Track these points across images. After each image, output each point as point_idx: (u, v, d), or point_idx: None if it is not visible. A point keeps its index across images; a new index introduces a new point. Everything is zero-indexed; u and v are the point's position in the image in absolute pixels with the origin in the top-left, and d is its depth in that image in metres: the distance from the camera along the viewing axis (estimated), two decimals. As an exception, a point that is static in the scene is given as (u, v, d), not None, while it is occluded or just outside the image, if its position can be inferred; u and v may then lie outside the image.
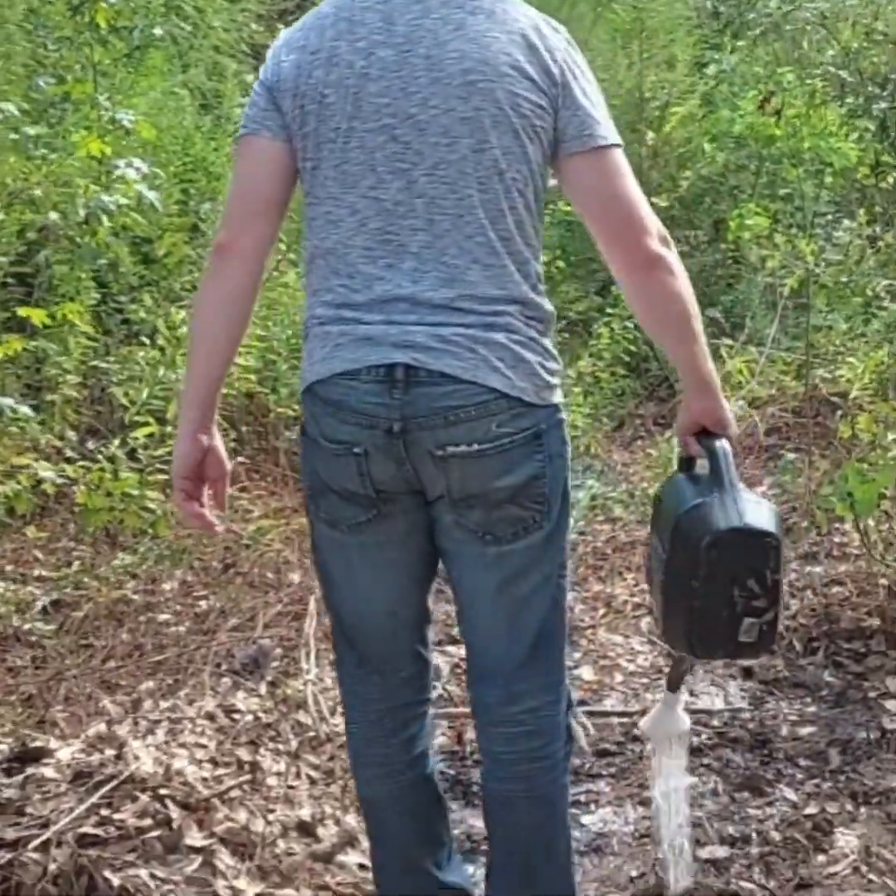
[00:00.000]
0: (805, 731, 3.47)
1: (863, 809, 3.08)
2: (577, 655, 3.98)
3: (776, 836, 2.99)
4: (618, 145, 2.14)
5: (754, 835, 2.99)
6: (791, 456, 5.02)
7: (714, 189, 7.36)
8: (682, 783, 2.61)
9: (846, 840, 2.96)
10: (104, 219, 4.15)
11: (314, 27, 2.15)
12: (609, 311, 5.86)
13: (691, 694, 3.74)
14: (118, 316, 5.85)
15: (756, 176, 6.82)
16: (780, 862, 2.90)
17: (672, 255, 2.14)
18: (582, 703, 3.68)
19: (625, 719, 3.58)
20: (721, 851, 2.93)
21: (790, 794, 3.17)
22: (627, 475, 5.75)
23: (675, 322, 2.17)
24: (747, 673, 3.83)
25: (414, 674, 2.39)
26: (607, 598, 4.42)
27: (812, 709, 3.60)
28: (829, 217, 6.47)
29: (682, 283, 2.15)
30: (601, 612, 4.33)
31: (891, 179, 3.67)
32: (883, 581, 4.05)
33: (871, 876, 2.82)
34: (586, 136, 2.11)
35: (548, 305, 2.20)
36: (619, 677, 3.88)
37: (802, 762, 3.32)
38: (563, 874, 2.40)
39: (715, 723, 3.55)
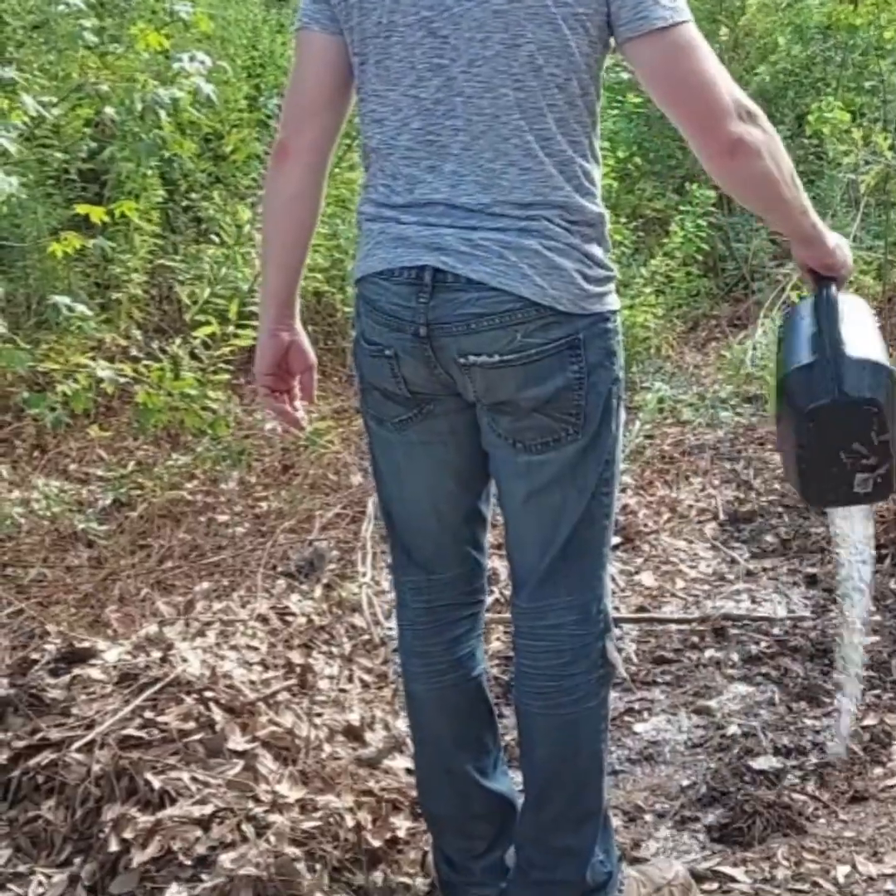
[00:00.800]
0: (868, 640, 3.39)
1: (924, 723, 3.02)
2: (639, 561, 3.93)
3: (833, 746, 2.93)
4: (682, 22, 1.95)
5: (810, 745, 2.94)
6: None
7: (798, 82, 7.11)
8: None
9: (906, 753, 2.90)
10: (162, 113, 4.06)
11: None
12: (683, 207, 5.69)
13: (753, 601, 3.69)
14: (187, 214, 5.82)
15: (841, 68, 6.57)
16: (835, 773, 2.84)
17: (754, 133, 1.98)
18: (641, 608, 3.64)
19: (684, 627, 3.53)
20: (775, 762, 2.87)
21: (850, 705, 3.10)
22: (699, 377, 5.63)
23: (765, 200, 2.08)
24: (811, 580, 3.76)
25: (460, 575, 2.35)
26: (672, 503, 4.34)
27: (877, 618, 3.52)
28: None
29: (767, 162, 1.99)
30: (666, 517, 4.26)
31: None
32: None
33: (928, 789, 2.77)
34: (641, 19, 1.94)
35: (596, 208, 2.07)
36: (680, 584, 3.82)
37: (863, 672, 3.24)
38: (573, 808, 2.30)
39: (776, 631, 3.49)
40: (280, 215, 2.21)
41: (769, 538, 4.03)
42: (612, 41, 2.01)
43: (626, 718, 3.10)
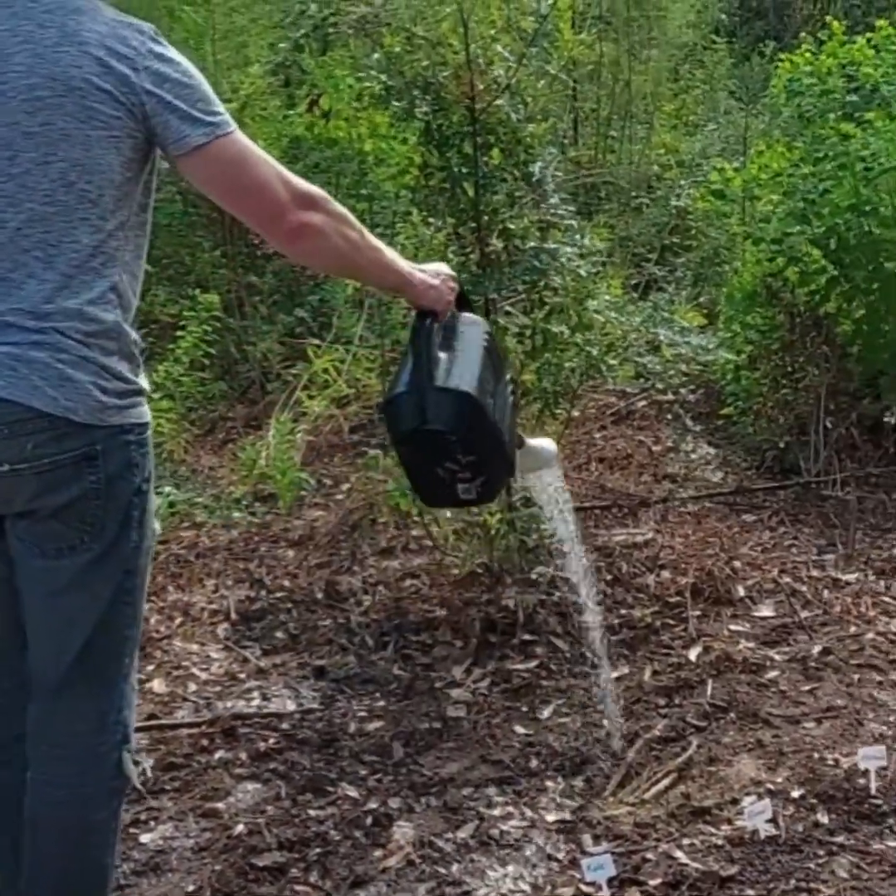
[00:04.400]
0: (372, 726, 3.52)
1: (422, 800, 3.15)
2: (151, 668, 3.89)
3: (335, 835, 3.01)
4: (225, 134, 2.11)
5: (313, 836, 3.00)
6: (373, 452, 5.09)
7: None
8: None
9: (403, 833, 3.02)
10: None
11: None
12: (188, 313, 5.75)
13: (264, 697, 3.73)
14: None
15: (339, 176, 6.87)
16: (337, 861, 2.91)
17: (315, 217, 2.16)
18: (152, 716, 3.60)
19: (194, 730, 3.53)
20: (279, 857, 2.91)
21: (352, 792, 3.19)
22: (216, 479, 5.67)
23: (343, 270, 2.36)
24: (320, 672, 3.85)
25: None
26: (185, 607, 4.34)
27: (381, 703, 3.65)
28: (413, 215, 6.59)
29: (334, 239, 2.19)
30: (178, 621, 4.25)
31: (436, 179, 3.77)
32: (455, 571, 4.16)
33: (424, 867, 2.88)
34: (183, 138, 2.09)
35: (116, 320, 2.14)
36: (192, 687, 3.81)
37: (367, 758, 3.35)
38: None
39: (285, 726, 3.54)
40: None
41: (279, 634, 4.10)
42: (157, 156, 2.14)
43: (132, 830, 3.05)
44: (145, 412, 2.22)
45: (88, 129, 2.04)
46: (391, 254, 2.34)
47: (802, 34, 6.51)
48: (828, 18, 6.40)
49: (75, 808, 2.25)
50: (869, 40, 5.88)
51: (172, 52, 2.15)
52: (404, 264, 2.36)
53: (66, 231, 2.06)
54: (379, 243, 2.31)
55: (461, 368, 2.42)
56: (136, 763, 2.41)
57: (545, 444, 2.82)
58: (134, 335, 2.21)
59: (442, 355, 2.41)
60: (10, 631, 2.29)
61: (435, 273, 2.43)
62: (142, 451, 2.18)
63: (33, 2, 2.07)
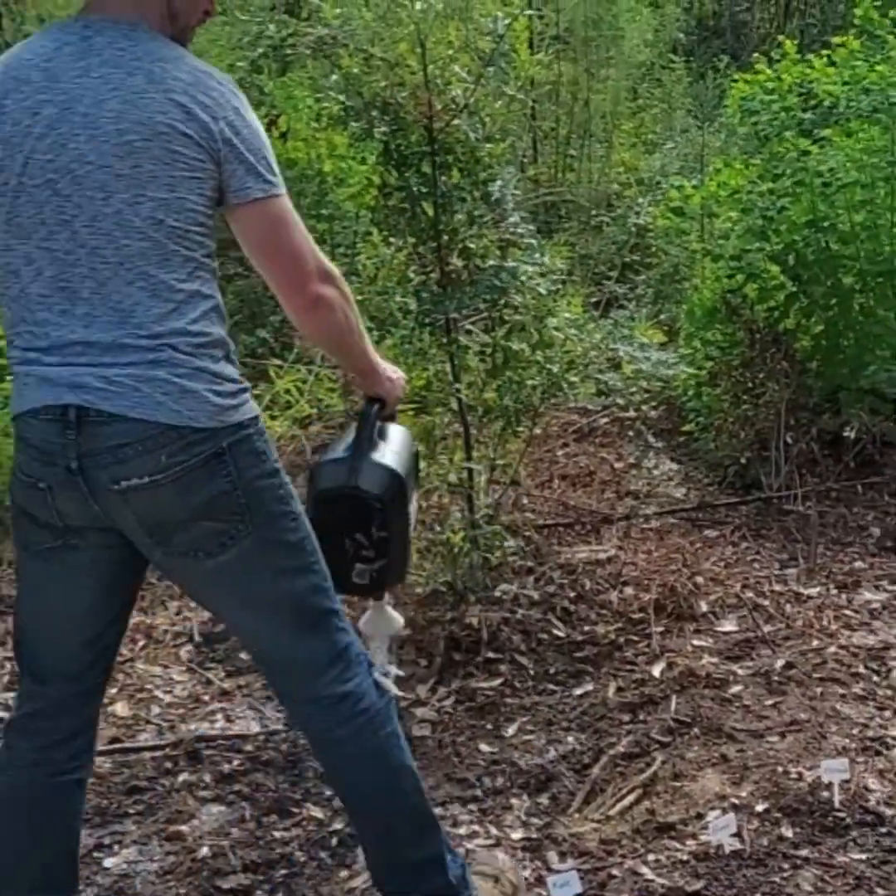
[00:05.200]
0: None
1: (387, 820, 3.13)
2: (113, 691, 3.86)
3: (300, 856, 3.00)
4: (279, 195, 2.32)
5: (278, 858, 2.99)
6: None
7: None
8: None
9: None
10: None
11: None
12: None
13: (228, 719, 3.72)
14: None
15: (300, 196, 6.88)
16: (303, 883, 2.90)
17: (332, 292, 2.38)
18: (115, 740, 3.58)
19: (157, 753, 3.51)
20: (244, 879, 2.90)
21: (317, 813, 3.18)
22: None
23: (336, 345, 2.50)
24: (284, 693, 3.83)
25: (75, 692, 2.48)
26: (148, 629, 4.32)
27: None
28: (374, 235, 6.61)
29: (340, 315, 2.41)
30: (141, 643, 4.23)
31: (396, 199, 3.78)
32: (418, 590, 4.16)
33: (389, 886, 2.86)
34: (246, 189, 2.28)
35: (220, 332, 2.32)
36: (155, 710, 3.79)
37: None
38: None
39: (249, 747, 3.53)
40: None
41: (243, 655, 4.07)
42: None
43: (96, 854, 3.03)
44: (254, 405, 2.39)
45: (173, 171, 2.22)
46: (368, 340, 2.59)
47: (756, 54, 6.54)
48: (781, 38, 6.46)
49: (364, 737, 2.47)
50: (828, 57, 5.93)
51: (247, 108, 2.33)
52: (374, 354, 2.61)
53: (161, 263, 2.23)
54: (363, 329, 2.55)
55: (395, 457, 2.63)
56: (385, 674, 2.57)
57: (397, 615, 2.87)
58: (229, 340, 2.39)
59: (381, 441, 2.63)
60: (82, 646, 2.44)
61: (393, 370, 2.69)
62: (262, 439, 2.36)
63: (122, 51, 2.23)
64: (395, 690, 2.55)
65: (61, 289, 2.24)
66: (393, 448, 2.63)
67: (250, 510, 2.32)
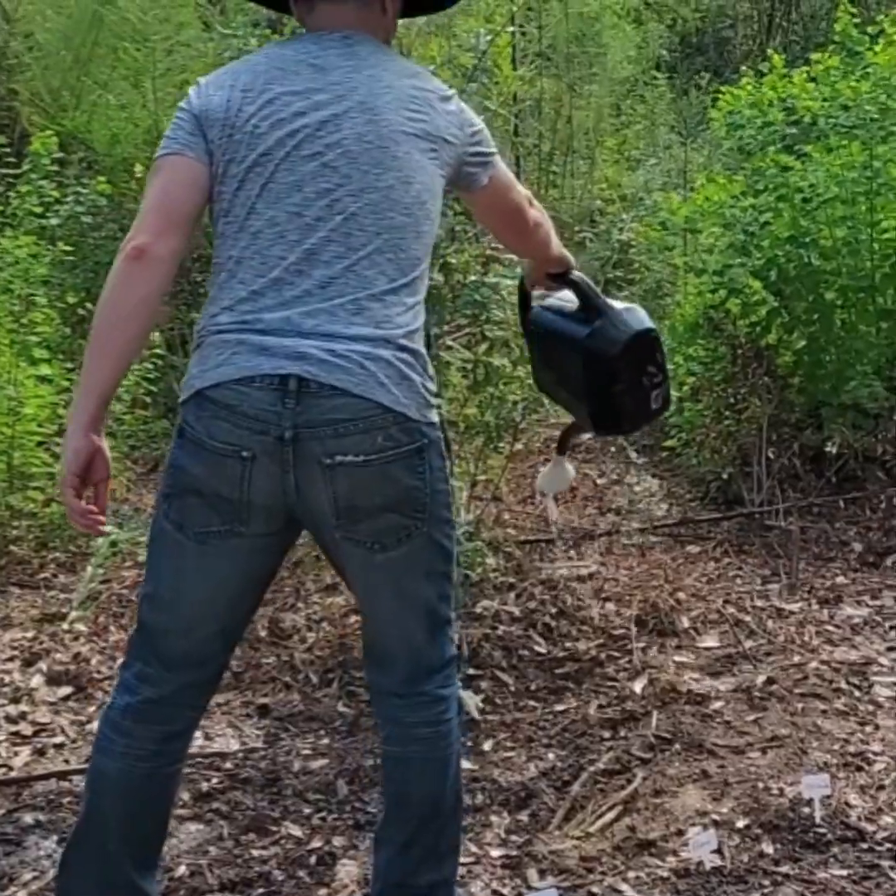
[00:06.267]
0: (316, 764, 3.49)
1: (366, 838, 3.10)
2: (91, 710, 3.84)
3: (279, 875, 2.97)
4: (494, 167, 2.59)
5: (256, 876, 2.96)
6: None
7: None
8: None
9: (347, 871, 2.98)
10: None
11: (245, 71, 2.42)
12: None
13: (207, 737, 3.69)
14: None
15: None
16: (280, 902, 2.88)
17: (540, 214, 2.78)
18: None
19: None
20: (221, 899, 2.88)
21: (296, 831, 3.16)
22: (159, 517, 5.62)
23: (535, 251, 2.84)
24: (264, 711, 3.82)
25: (197, 680, 2.49)
26: (125, 648, 4.28)
27: (325, 741, 3.62)
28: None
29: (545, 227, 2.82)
30: (120, 661, 4.18)
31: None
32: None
33: (369, 905, 2.85)
34: (478, 179, 2.56)
35: (421, 323, 2.39)
36: (134, 727, 3.76)
37: (311, 796, 3.32)
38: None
39: (228, 765, 3.50)
40: (128, 317, 2.31)
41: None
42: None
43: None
44: None
45: (431, 166, 2.41)
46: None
47: (743, 68, 6.57)
48: (769, 51, 6.48)
49: (438, 745, 2.51)
50: (807, 73, 5.96)
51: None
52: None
53: (411, 242, 2.37)
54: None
55: (617, 302, 2.89)
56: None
57: (572, 468, 3.25)
58: None
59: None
60: (216, 634, 2.45)
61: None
62: (442, 444, 2.42)
63: (384, 70, 2.43)
64: (475, 712, 2.60)
65: (304, 251, 2.29)
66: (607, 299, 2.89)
67: (428, 510, 2.38)
